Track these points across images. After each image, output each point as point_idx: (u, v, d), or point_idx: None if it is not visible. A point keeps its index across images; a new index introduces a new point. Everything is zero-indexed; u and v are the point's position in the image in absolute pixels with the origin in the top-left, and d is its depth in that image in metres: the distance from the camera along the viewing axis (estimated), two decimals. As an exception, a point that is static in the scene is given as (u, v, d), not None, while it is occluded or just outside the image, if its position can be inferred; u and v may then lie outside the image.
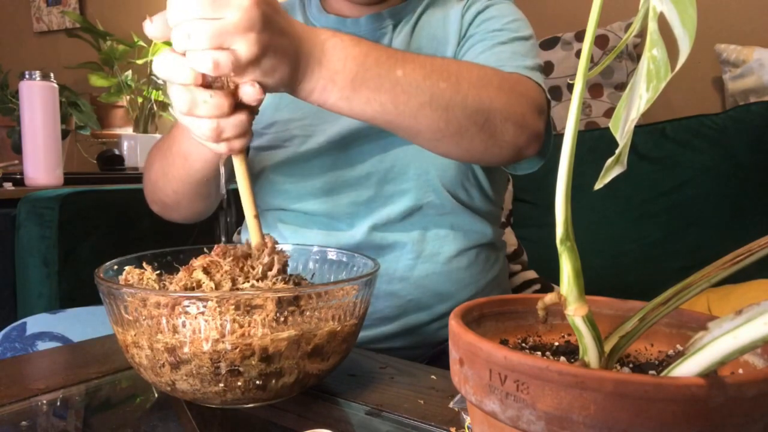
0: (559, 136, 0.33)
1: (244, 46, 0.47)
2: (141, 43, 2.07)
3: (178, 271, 0.53)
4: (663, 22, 0.27)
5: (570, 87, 1.62)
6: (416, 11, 0.81)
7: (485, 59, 0.73)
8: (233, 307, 0.44)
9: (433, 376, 0.57)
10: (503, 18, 0.78)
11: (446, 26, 0.80)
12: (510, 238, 1.27)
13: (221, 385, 0.45)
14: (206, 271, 0.50)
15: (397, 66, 0.58)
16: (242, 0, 0.46)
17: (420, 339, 0.79)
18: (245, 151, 0.54)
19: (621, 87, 1.60)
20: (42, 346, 0.85)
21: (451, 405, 0.50)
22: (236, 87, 0.50)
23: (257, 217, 0.54)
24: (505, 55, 0.73)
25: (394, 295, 0.76)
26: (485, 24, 0.78)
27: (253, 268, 0.51)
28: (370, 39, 0.78)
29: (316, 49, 0.54)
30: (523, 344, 0.38)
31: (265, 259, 0.52)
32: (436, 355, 0.82)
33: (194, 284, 0.50)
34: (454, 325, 0.32)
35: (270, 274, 0.52)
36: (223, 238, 0.58)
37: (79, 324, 0.90)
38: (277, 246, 0.54)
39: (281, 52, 0.50)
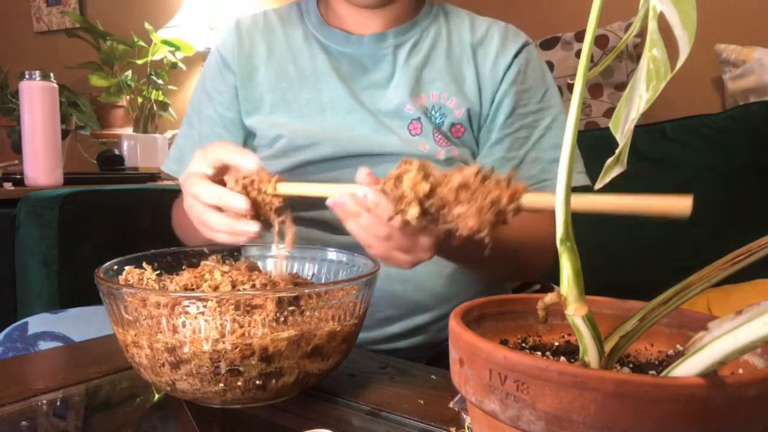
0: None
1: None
2: (141, 43, 2.07)
3: (178, 270, 0.53)
4: (663, 22, 0.27)
5: (570, 87, 1.62)
6: (423, 42, 0.80)
7: (534, 170, 0.79)
8: (233, 307, 0.44)
9: (433, 376, 0.57)
10: (539, 88, 0.81)
11: (460, 70, 0.80)
12: (510, 238, 1.27)
13: (221, 384, 0.45)
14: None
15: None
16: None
17: (422, 340, 0.79)
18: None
19: (621, 87, 1.60)
20: (44, 345, 0.85)
21: (451, 405, 0.50)
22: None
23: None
24: (548, 156, 0.79)
25: (396, 297, 0.76)
26: (525, 96, 0.80)
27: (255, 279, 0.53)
28: (372, 59, 0.80)
29: None
30: (523, 344, 0.38)
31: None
32: (436, 355, 0.82)
33: (194, 285, 0.50)
34: (454, 325, 0.32)
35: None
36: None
37: (80, 324, 0.90)
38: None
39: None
